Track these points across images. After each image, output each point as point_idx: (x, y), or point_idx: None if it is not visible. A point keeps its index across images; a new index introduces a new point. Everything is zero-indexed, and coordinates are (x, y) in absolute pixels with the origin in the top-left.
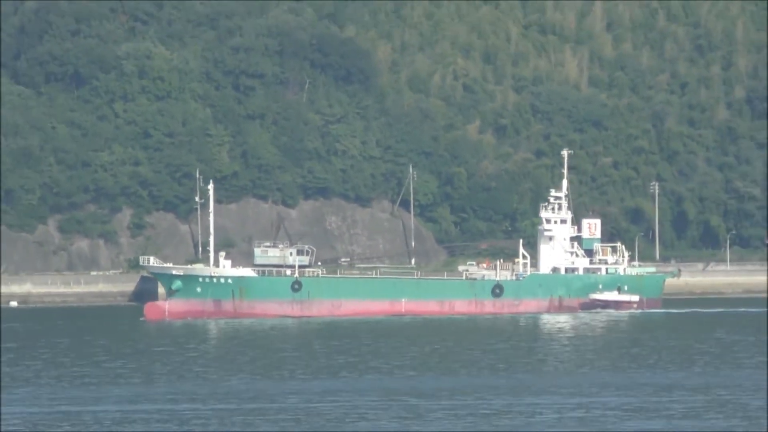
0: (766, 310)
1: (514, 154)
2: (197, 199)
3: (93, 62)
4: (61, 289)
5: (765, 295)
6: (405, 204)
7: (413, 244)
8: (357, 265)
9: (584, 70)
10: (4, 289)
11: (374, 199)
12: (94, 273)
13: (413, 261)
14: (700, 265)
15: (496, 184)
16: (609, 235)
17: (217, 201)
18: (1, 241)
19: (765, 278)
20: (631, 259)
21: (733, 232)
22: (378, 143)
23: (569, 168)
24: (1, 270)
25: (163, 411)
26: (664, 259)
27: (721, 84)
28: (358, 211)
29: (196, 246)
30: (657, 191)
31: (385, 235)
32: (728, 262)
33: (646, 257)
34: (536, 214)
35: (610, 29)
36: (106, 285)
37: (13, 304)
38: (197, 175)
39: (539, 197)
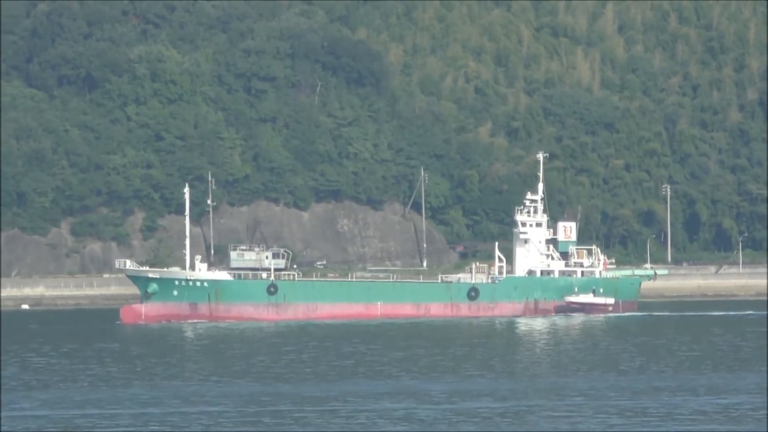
0: (765, 313)
1: (526, 156)
2: (209, 201)
3: (105, 65)
4: (74, 292)
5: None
6: (417, 206)
7: (425, 246)
8: (369, 268)
9: (596, 73)
10: (17, 292)
11: (386, 201)
12: (106, 275)
13: (425, 263)
14: (713, 268)
15: (508, 186)
16: (621, 237)
17: (229, 203)
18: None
19: None
20: (644, 261)
21: (746, 234)
22: (390, 146)
23: (581, 170)
24: (13, 273)
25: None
26: (676, 261)
27: (733, 86)
28: (369, 213)
29: (208, 248)
30: (669, 193)
31: (396, 238)
32: (741, 265)
33: (658, 260)
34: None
35: (621, 31)
36: (118, 287)
37: (25, 306)
38: (209, 178)
39: (551, 200)
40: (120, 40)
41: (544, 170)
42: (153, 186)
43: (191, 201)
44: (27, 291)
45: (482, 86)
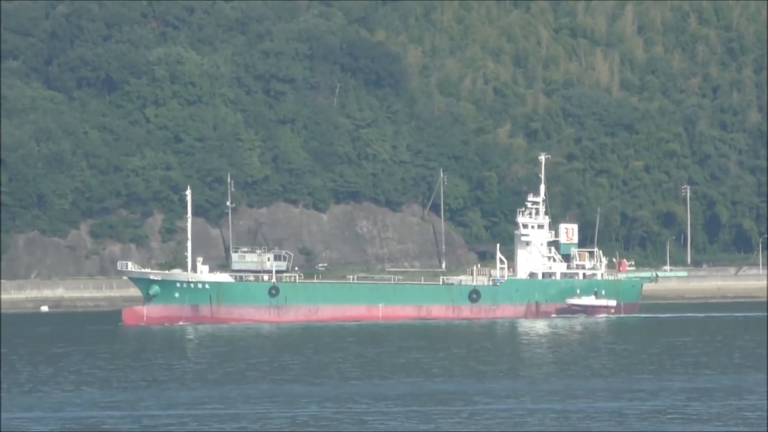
0: (765, 314)
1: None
2: (228, 203)
3: (124, 67)
4: (93, 294)
5: None
6: (435, 208)
7: (443, 247)
8: (387, 270)
9: (615, 74)
10: (36, 294)
11: (405, 203)
12: (125, 277)
13: (443, 264)
14: (733, 269)
15: (527, 187)
16: (640, 239)
17: (248, 205)
18: None
19: None
20: (663, 263)
21: (766, 235)
22: (408, 147)
23: (601, 171)
24: (32, 275)
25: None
26: (696, 263)
27: (753, 87)
28: (388, 215)
29: (227, 250)
30: (689, 195)
31: (415, 239)
32: (761, 266)
33: (677, 261)
34: (567, 218)
35: (641, 32)
36: (137, 289)
37: (45, 308)
38: (228, 180)
39: (570, 201)
40: (139, 41)
41: (564, 171)
42: (172, 188)
43: (210, 203)
44: (47, 293)
45: (501, 87)
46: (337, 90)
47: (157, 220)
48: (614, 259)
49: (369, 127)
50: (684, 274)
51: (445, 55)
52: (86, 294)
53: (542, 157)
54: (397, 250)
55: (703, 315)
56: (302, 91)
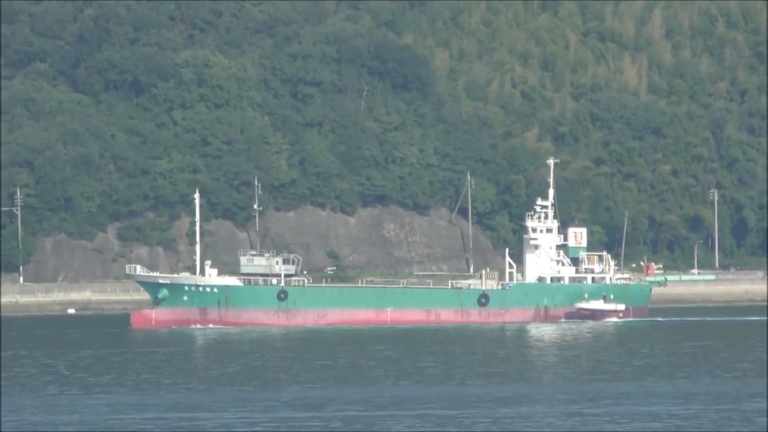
0: (765, 318)
1: (573, 161)
2: (256, 206)
3: (152, 70)
4: (120, 297)
5: None
6: (463, 211)
7: (471, 251)
8: (415, 273)
9: (643, 78)
10: (63, 297)
11: (432, 206)
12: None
13: (471, 268)
14: (760, 273)
15: (555, 191)
16: (668, 243)
17: (275, 208)
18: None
19: None
20: (691, 267)
21: None
22: (436, 151)
23: (629, 175)
24: (59, 277)
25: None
26: (724, 266)
27: None
28: (416, 218)
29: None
30: (716, 199)
31: (443, 243)
32: None
33: (705, 265)
34: (595, 221)
35: (669, 36)
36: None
37: (71, 311)
38: (255, 183)
39: (598, 205)
40: (166, 45)
41: (592, 176)
42: (200, 191)
43: (237, 206)
44: (74, 296)
45: (529, 91)
46: (365, 93)
47: (185, 223)
48: (642, 263)
49: (396, 130)
50: (712, 277)
51: (473, 58)
52: (113, 297)
53: (551, 161)
54: (425, 254)
55: (715, 319)
56: (329, 94)
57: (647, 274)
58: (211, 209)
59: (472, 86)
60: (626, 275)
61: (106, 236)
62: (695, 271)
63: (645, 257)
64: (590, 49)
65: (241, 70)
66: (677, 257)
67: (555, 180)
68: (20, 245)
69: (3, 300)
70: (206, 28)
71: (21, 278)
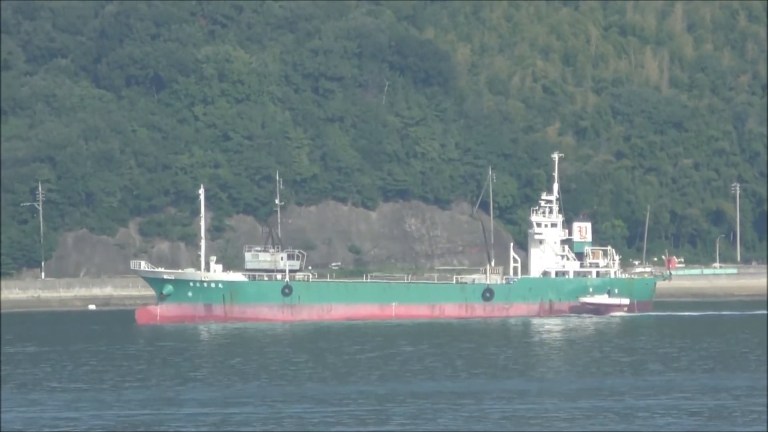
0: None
1: (594, 155)
2: (277, 201)
3: (173, 65)
4: (142, 292)
5: None
6: (484, 206)
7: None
8: (436, 268)
9: (665, 72)
10: (85, 292)
11: (453, 201)
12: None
13: (493, 262)
14: None
15: (576, 186)
16: (690, 237)
17: (297, 203)
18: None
19: None
20: (713, 261)
21: None
22: (457, 145)
23: (650, 169)
24: (81, 273)
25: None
26: (746, 260)
27: None
28: (437, 213)
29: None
30: (738, 192)
31: (464, 237)
32: None
33: (727, 258)
34: (616, 216)
35: (690, 30)
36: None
37: (92, 307)
38: (277, 178)
39: (620, 199)
40: (187, 40)
41: (613, 170)
42: (220, 186)
43: (259, 201)
44: (95, 291)
45: (550, 85)
46: (386, 88)
47: (206, 218)
48: (663, 257)
49: (418, 125)
50: (734, 271)
51: (494, 53)
52: (134, 293)
53: (555, 156)
54: (446, 249)
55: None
56: (351, 89)
57: (669, 268)
58: (232, 204)
59: (493, 81)
60: (648, 269)
61: (128, 231)
62: (717, 264)
63: (666, 251)
64: (611, 44)
65: (262, 66)
66: (699, 251)
67: (578, 174)
68: (42, 240)
69: (24, 295)
70: (227, 23)
71: (42, 274)
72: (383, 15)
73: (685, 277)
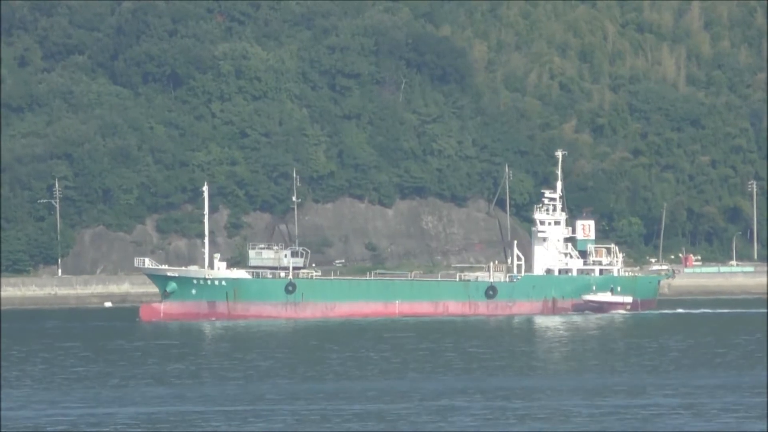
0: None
1: (611, 153)
2: (294, 198)
3: (190, 62)
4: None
5: None
6: (501, 203)
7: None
8: (453, 265)
9: (682, 69)
10: (102, 289)
11: (470, 198)
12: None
13: (509, 260)
14: None
15: (593, 183)
16: (706, 234)
17: (314, 200)
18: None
19: None
20: (729, 258)
21: None
22: (474, 142)
23: (667, 167)
24: (98, 270)
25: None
26: (762, 258)
27: None
28: (454, 210)
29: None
30: (755, 190)
31: (481, 235)
32: None
33: (743, 256)
34: (633, 213)
35: (707, 27)
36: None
37: (108, 304)
38: (294, 175)
39: (636, 196)
40: (205, 37)
41: (630, 167)
42: (237, 183)
43: (276, 198)
44: (112, 288)
45: (567, 82)
46: (403, 85)
47: (223, 215)
48: (680, 255)
49: (434, 122)
50: (750, 269)
51: (511, 50)
52: (151, 290)
53: (559, 153)
54: (463, 246)
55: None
56: (368, 86)
57: (686, 266)
58: (249, 201)
59: (510, 78)
60: (665, 267)
61: (145, 228)
62: (734, 262)
63: (683, 249)
64: (628, 41)
65: (279, 63)
66: (716, 249)
67: (594, 172)
68: (59, 237)
69: (41, 292)
70: (244, 20)
71: (59, 270)
72: (400, 12)
73: (701, 275)
